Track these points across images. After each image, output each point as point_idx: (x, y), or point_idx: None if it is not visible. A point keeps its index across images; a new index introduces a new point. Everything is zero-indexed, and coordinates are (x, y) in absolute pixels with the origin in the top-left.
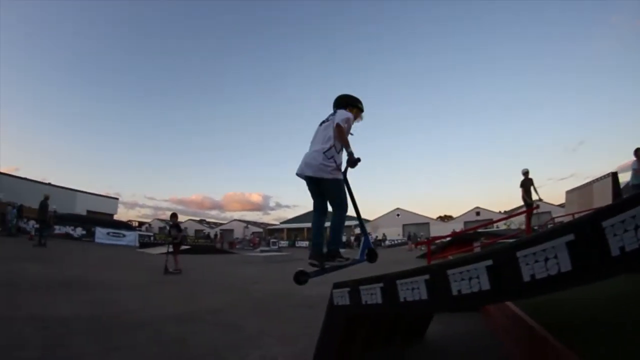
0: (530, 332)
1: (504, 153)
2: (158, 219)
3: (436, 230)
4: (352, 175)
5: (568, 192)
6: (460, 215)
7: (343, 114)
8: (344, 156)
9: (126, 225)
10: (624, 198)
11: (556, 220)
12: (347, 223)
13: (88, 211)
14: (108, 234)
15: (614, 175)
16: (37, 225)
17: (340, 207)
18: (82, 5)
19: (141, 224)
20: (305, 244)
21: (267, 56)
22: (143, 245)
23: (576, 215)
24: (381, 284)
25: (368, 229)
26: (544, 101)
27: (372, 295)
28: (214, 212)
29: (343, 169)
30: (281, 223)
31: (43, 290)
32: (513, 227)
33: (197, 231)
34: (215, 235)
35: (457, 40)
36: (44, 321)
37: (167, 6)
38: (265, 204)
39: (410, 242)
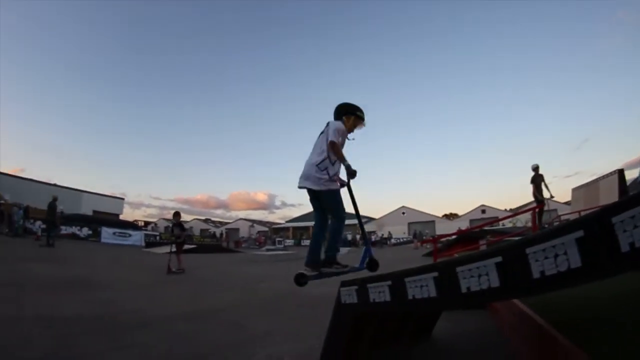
0: (538, 329)
1: (509, 151)
2: (164, 219)
3: (442, 229)
4: (357, 174)
5: (574, 190)
6: (466, 213)
7: (334, 126)
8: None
9: (132, 225)
10: (634, 194)
11: (562, 218)
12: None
13: (94, 211)
14: (114, 233)
15: (620, 172)
16: (43, 226)
17: (337, 217)
18: (83, 4)
19: (147, 223)
20: None
21: (270, 54)
22: (149, 244)
23: (582, 213)
24: (389, 282)
25: (373, 227)
26: (549, 99)
27: (380, 293)
28: (219, 212)
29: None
30: (287, 222)
31: (49, 290)
32: (519, 224)
33: (202, 230)
34: (221, 234)
35: (460, 38)
36: (50, 321)
37: (170, 6)
38: (270, 202)
39: (415, 240)
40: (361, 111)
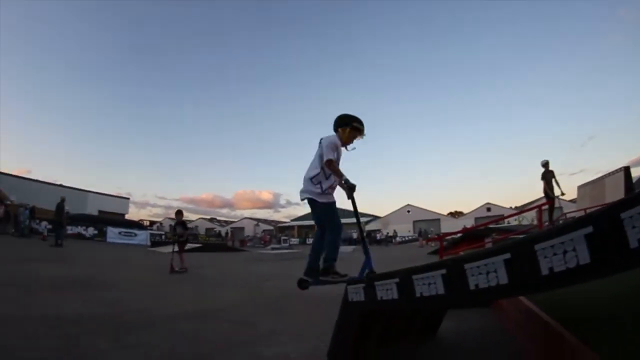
0: (545, 327)
1: (514, 149)
2: (169, 218)
3: (447, 227)
4: (361, 172)
5: (580, 187)
6: (471, 211)
7: (327, 143)
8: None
9: (138, 225)
10: None
11: (568, 215)
12: None
13: (99, 211)
14: (120, 233)
15: (626, 170)
16: (49, 226)
17: (332, 229)
18: (84, 4)
19: (152, 223)
20: None
21: (274, 52)
22: (154, 244)
23: (588, 211)
24: (397, 280)
25: (379, 225)
26: (554, 96)
27: (387, 291)
28: (224, 211)
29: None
30: (292, 220)
31: (55, 289)
32: (525, 222)
33: (208, 229)
34: (226, 233)
35: (461, 38)
36: (56, 320)
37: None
38: (275, 201)
39: (421, 238)
40: (358, 122)
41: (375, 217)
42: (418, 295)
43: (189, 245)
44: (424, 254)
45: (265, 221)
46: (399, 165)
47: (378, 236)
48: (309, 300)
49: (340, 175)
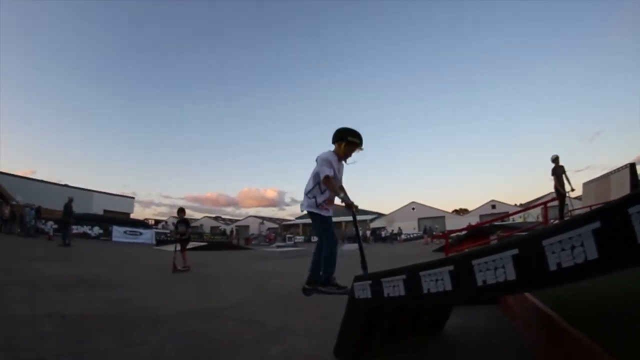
0: (552, 324)
1: (519, 145)
2: (174, 217)
3: (452, 224)
4: (365, 170)
5: (585, 184)
6: (476, 209)
7: (321, 161)
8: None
9: (143, 224)
10: None
11: (573, 212)
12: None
13: (105, 210)
14: (125, 232)
15: (632, 167)
16: (55, 226)
17: (327, 243)
18: (84, 4)
19: (157, 222)
20: None
21: (274, 52)
22: (160, 242)
23: (593, 207)
24: (404, 276)
25: (383, 223)
26: (560, 91)
27: (394, 288)
28: (229, 209)
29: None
30: (297, 218)
31: (62, 288)
32: (530, 219)
33: (213, 228)
34: (231, 231)
35: (461, 37)
36: (63, 319)
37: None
38: (280, 199)
39: (426, 235)
40: (353, 135)
41: (380, 215)
42: (425, 291)
43: (193, 244)
44: (429, 251)
45: (270, 219)
46: (403, 162)
47: (383, 234)
48: (315, 298)
49: (336, 192)
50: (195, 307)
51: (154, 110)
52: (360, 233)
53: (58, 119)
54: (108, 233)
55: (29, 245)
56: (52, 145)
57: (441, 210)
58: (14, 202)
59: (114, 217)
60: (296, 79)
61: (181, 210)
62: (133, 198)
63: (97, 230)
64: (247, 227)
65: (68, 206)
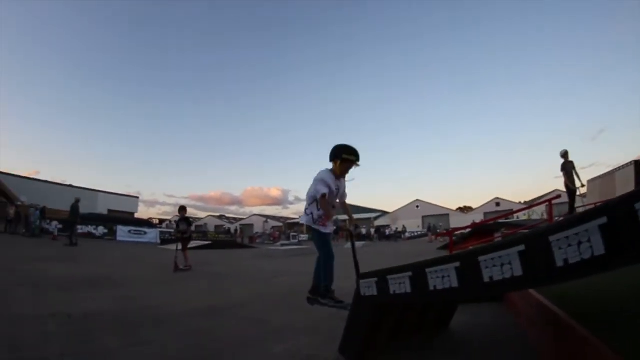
0: (556, 321)
1: (523, 142)
2: (177, 216)
3: (456, 222)
4: (367, 168)
5: (590, 182)
6: (480, 206)
7: (317, 181)
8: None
9: (147, 223)
10: None
11: (577, 210)
12: (366, 215)
13: (109, 210)
14: (129, 232)
15: (637, 164)
16: (60, 226)
17: (323, 258)
18: (85, 4)
19: (162, 221)
20: None
21: (281, 50)
22: (164, 242)
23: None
24: (410, 273)
25: (387, 221)
26: (563, 89)
27: (400, 285)
28: (233, 208)
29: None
30: (301, 217)
31: (67, 288)
32: (535, 217)
33: (217, 227)
34: (236, 230)
35: (461, 37)
36: (67, 318)
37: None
38: (284, 198)
39: (430, 233)
40: (348, 152)
41: (384, 213)
42: (431, 288)
43: (197, 243)
44: (433, 249)
45: (274, 218)
46: (407, 161)
47: (387, 232)
48: None
49: (329, 213)
50: (199, 305)
51: (156, 109)
52: (364, 231)
53: (60, 120)
54: (113, 233)
55: (34, 245)
56: (55, 146)
57: (445, 208)
58: (18, 203)
59: (119, 217)
60: (297, 79)
61: (182, 209)
62: (137, 198)
63: (101, 230)
64: (251, 225)
65: (75, 206)
